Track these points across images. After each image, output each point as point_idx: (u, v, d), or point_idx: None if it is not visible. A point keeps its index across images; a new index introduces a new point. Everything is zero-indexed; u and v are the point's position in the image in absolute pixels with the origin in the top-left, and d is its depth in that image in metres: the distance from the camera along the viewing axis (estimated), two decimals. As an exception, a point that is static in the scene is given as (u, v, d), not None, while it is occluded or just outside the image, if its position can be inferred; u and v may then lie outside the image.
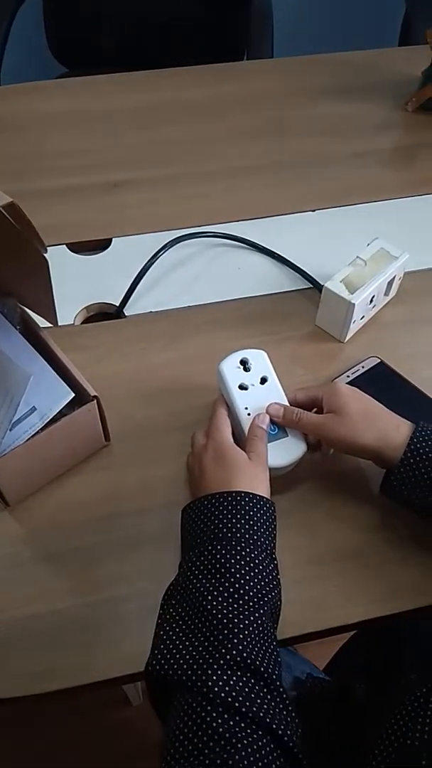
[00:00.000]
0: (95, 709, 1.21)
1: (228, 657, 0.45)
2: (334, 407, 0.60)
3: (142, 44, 1.42)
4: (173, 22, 1.42)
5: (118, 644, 0.56)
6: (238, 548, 0.51)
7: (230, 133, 1.03)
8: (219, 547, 0.51)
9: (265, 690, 0.44)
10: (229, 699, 0.43)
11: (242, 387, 0.64)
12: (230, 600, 0.48)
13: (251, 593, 0.49)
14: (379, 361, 0.73)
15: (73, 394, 0.60)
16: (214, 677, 0.43)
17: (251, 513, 0.54)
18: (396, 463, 0.57)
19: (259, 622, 0.48)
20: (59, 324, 0.75)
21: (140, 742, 1.16)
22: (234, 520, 0.53)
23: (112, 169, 0.95)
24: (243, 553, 0.51)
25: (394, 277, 0.76)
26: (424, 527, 0.62)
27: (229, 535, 0.52)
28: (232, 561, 0.50)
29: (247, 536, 0.52)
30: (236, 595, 0.49)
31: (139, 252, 0.83)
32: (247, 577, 0.50)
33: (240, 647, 0.45)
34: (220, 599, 0.48)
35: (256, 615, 0.48)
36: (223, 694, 0.43)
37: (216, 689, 0.43)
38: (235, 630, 0.46)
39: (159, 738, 0.75)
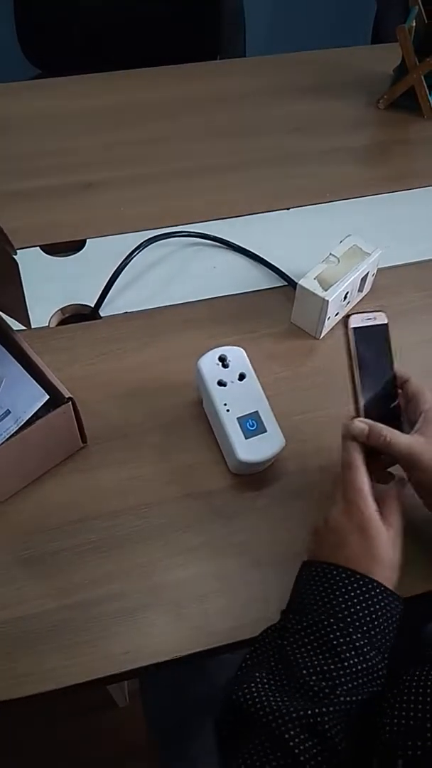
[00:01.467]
0: (81, 712, 1.21)
1: (311, 720, 0.45)
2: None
3: (114, 45, 1.42)
4: (144, 24, 1.41)
5: (96, 646, 0.55)
6: (354, 638, 0.49)
7: (204, 133, 1.03)
8: (335, 627, 0.49)
9: (334, 761, 0.44)
10: (301, 758, 0.43)
11: (221, 383, 0.65)
12: (329, 681, 0.47)
13: (352, 683, 0.47)
14: (386, 322, 0.72)
15: (47, 396, 0.60)
16: (292, 732, 0.44)
17: (378, 607, 0.50)
18: None
19: (349, 707, 0.47)
20: (34, 326, 0.75)
21: (128, 743, 1.16)
22: (360, 607, 0.50)
23: (85, 170, 0.95)
24: (357, 644, 0.48)
25: (367, 274, 0.76)
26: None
27: (348, 620, 0.49)
28: (344, 647, 0.48)
29: (364, 628, 0.49)
30: (337, 681, 0.47)
31: (114, 253, 0.82)
32: (354, 669, 0.48)
33: (326, 717, 0.45)
34: (320, 677, 0.47)
35: (349, 700, 0.47)
36: (296, 751, 0.43)
37: (291, 743, 0.44)
38: (326, 702, 0.46)
39: (146, 739, 0.75)
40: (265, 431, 0.62)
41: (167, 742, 0.71)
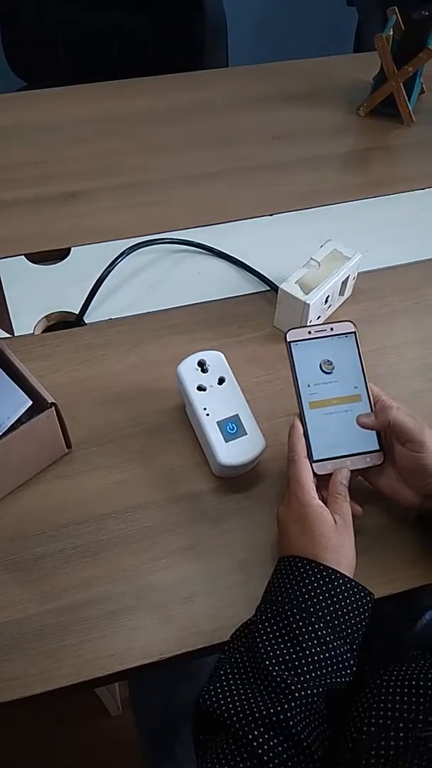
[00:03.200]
0: (73, 721, 1.20)
1: (275, 719, 0.45)
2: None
3: (98, 57, 1.44)
4: (128, 36, 1.43)
5: (82, 649, 0.56)
6: (317, 627, 0.50)
7: (186, 142, 1.04)
8: (299, 617, 0.50)
9: (300, 758, 0.45)
10: (264, 758, 0.44)
11: (200, 388, 0.65)
12: (292, 671, 0.48)
13: (316, 673, 0.48)
14: (353, 330, 0.63)
15: (30, 402, 0.60)
16: (256, 732, 0.45)
17: (341, 597, 0.52)
18: None
19: (315, 697, 0.47)
20: (19, 334, 0.76)
21: (121, 751, 1.15)
22: (321, 598, 0.51)
23: (69, 180, 0.96)
24: (320, 633, 0.49)
25: (348, 277, 0.77)
26: (386, 518, 0.63)
27: (312, 610, 0.50)
28: (307, 637, 0.49)
29: (328, 618, 0.50)
30: (299, 670, 0.48)
31: (98, 261, 0.83)
32: (315, 658, 0.49)
33: (289, 714, 0.46)
34: (282, 666, 0.48)
35: (313, 691, 0.47)
36: (260, 751, 0.44)
37: (255, 744, 0.44)
38: (289, 697, 0.46)
39: (139, 748, 0.75)
40: (246, 434, 0.63)
41: (155, 744, 0.71)
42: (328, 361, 0.61)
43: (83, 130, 1.05)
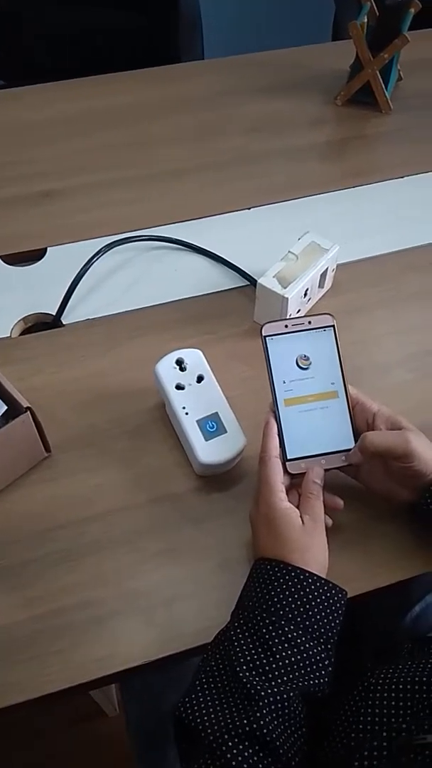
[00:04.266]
0: (71, 723, 1.20)
1: (248, 729, 0.45)
2: (401, 425, 0.58)
3: (73, 54, 1.42)
4: (101, 33, 1.41)
5: (68, 655, 0.55)
6: (286, 629, 0.49)
7: (161, 137, 1.03)
8: (268, 622, 0.49)
9: (278, 766, 0.45)
10: None
11: (179, 387, 0.65)
12: (263, 676, 0.47)
13: (288, 676, 0.47)
14: (331, 324, 0.62)
15: (5, 407, 0.59)
16: (230, 743, 0.44)
17: (311, 597, 0.51)
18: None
19: (288, 703, 0.47)
20: (-6, 337, 0.75)
21: (119, 752, 1.15)
22: (291, 600, 0.50)
23: (44, 179, 0.95)
24: (290, 636, 0.49)
25: (326, 269, 0.77)
26: (368, 512, 0.63)
27: (281, 613, 0.50)
28: (277, 641, 0.49)
29: (298, 619, 0.50)
30: (270, 674, 0.47)
31: (75, 260, 0.82)
32: (287, 661, 0.48)
33: (262, 722, 0.45)
34: (253, 672, 0.47)
35: (286, 696, 0.47)
36: (234, 763, 0.43)
37: (229, 756, 0.44)
38: (261, 704, 0.46)
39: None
40: (226, 432, 0.62)
41: (147, 749, 0.71)
42: (305, 356, 0.60)
43: (57, 128, 1.04)
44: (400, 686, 0.47)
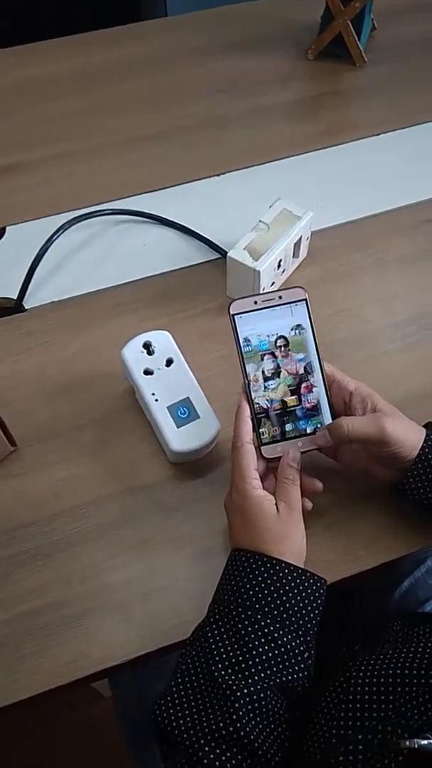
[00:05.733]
0: (68, 708, 1.20)
1: (224, 732, 0.43)
2: (377, 406, 0.55)
3: (25, 18, 1.34)
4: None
5: (42, 658, 0.53)
6: (262, 624, 0.47)
7: (123, 102, 0.97)
8: (243, 616, 0.47)
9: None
10: None
11: (147, 372, 0.62)
12: (239, 674, 0.45)
13: (264, 672, 0.45)
14: (303, 297, 0.58)
15: (-39, 404, 0.56)
16: (207, 748, 0.42)
17: (287, 588, 0.48)
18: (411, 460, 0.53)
19: (266, 701, 0.45)
20: None
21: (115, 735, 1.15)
22: (266, 592, 0.48)
23: (1, 154, 0.89)
24: (266, 630, 0.47)
25: (300, 238, 0.73)
26: (347, 491, 0.60)
27: (257, 606, 0.48)
28: (252, 636, 0.46)
29: (275, 612, 0.47)
30: (246, 672, 0.45)
31: (36, 239, 0.77)
32: (264, 657, 0.46)
33: (238, 724, 0.43)
34: (229, 670, 0.45)
35: (263, 694, 0.45)
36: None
37: (206, 761, 0.42)
38: (237, 704, 0.44)
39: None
40: (198, 417, 0.59)
41: (134, 738, 0.70)
42: (283, 336, 0.57)
43: (11, 97, 0.98)
44: (382, 679, 0.45)
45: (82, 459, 0.63)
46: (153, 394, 0.60)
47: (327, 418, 0.57)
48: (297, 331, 0.57)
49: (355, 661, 0.49)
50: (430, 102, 0.97)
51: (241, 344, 0.56)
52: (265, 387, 0.56)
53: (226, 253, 0.76)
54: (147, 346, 0.62)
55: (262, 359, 0.57)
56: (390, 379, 0.68)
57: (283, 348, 0.57)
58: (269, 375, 0.56)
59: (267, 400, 0.56)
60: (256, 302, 0.57)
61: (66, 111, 0.95)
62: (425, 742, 0.37)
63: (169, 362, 0.62)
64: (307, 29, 1.05)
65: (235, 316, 0.56)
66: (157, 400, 0.60)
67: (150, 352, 0.62)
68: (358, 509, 0.60)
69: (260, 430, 0.56)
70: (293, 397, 0.57)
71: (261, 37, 1.07)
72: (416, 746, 0.37)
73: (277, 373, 0.57)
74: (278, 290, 0.58)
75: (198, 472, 0.62)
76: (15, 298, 0.74)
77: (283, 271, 0.74)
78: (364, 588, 0.72)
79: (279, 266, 0.71)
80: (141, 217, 0.82)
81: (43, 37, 1.06)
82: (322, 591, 0.50)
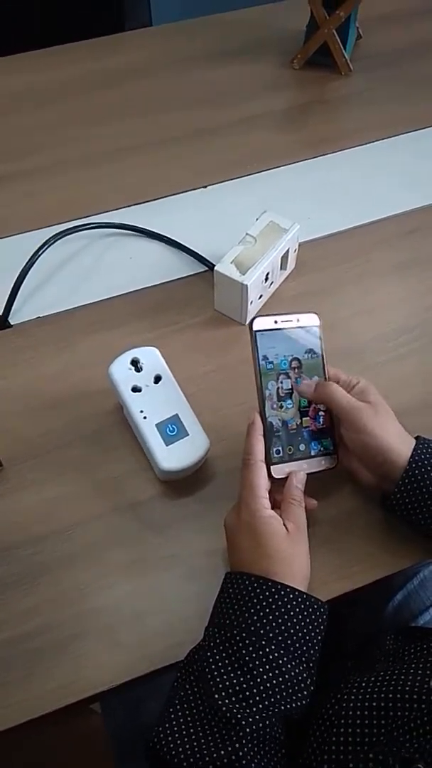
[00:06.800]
0: (62, 719, 1.19)
1: (226, 761, 0.42)
2: (369, 398, 0.56)
3: (13, 28, 1.33)
4: (41, 2, 1.32)
5: (29, 683, 0.52)
6: (267, 650, 0.46)
7: (108, 113, 0.96)
8: (248, 642, 0.46)
9: None
10: None
11: (135, 389, 0.61)
12: (242, 702, 0.44)
13: (269, 700, 0.44)
14: (318, 324, 0.60)
15: None
16: None
17: (293, 614, 0.47)
18: (400, 473, 0.53)
19: (269, 728, 0.44)
20: None
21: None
22: (271, 617, 0.47)
23: (-17, 166, 0.88)
24: (271, 657, 0.46)
25: (287, 251, 0.72)
26: (341, 506, 0.60)
27: (262, 632, 0.46)
28: (257, 663, 0.45)
29: (279, 638, 0.46)
30: (251, 700, 0.44)
31: (21, 253, 0.76)
32: (268, 684, 0.45)
33: (240, 753, 0.42)
34: (233, 698, 0.44)
35: (267, 722, 0.44)
36: None
37: None
38: (240, 733, 0.43)
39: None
40: (187, 435, 0.59)
41: (124, 759, 0.69)
42: (297, 359, 0.58)
43: (-3, 108, 0.97)
44: (374, 703, 0.44)
45: (69, 477, 0.62)
46: (141, 411, 0.59)
47: (332, 442, 0.58)
48: (310, 356, 0.58)
49: (347, 682, 0.48)
50: (416, 111, 0.97)
51: (260, 361, 0.56)
52: (280, 406, 0.57)
53: (214, 265, 0.76)
54: (135, 363, 0.61)
55: (278, 378, 0.57)
56: (380, 390, 0.67)
57: (296, 370, 0.58)
58: (283, 395, 0.57)
59: (279, 419, 0.56)
60: (276, 321, 0.58)
61: (50, 122, 0.95)
62: None
63: (157, 379, 0.61)
64: (292, 38, 1.05)
65: (257, 333, 0.56)
66: (145, 417, 0.59)
67: (138, 369, 0.61)
68: (352, 526, 0.59)
69: (272, 450, 0.56)
70: (304, 418, 0.57)
71: (246, 47, 1.06)
72: None
73: (289, 393, 0.57)
74: (295, 313, 0.59)
75: (187, 489, 0.61)
76: (0, 314, 0.73)
77: (271, 284, 0.73)
78: (356, 601, 0.71)
79: (267, 279, 0.71)
80: (127, 231, 0.81)
81: (26, 48, 1.05)
82: (324, 617, 0.49)
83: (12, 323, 0.73)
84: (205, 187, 0.87)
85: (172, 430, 0.59)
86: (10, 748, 1.14)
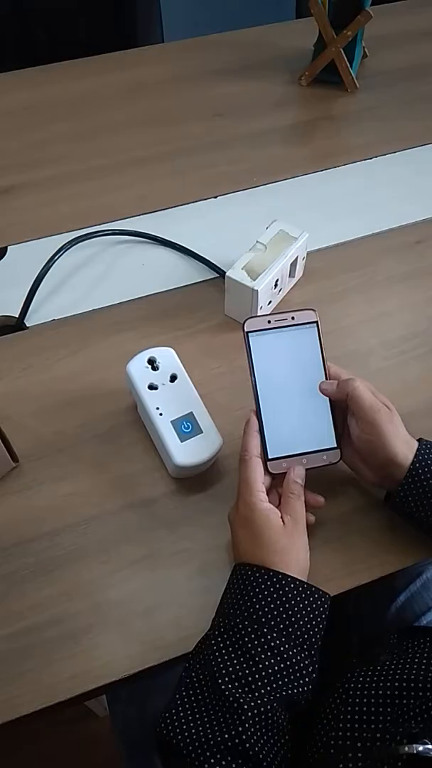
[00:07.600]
0: (62, 724, 1.19)
1: (230, 744, 0.43)
2: (378, 398, 0.56)
3: (26, 43, 1.36)
4: (56, 18, 1.36)
5: (42, 674, 0.53)
6: (269, 637, 0.47)
7: (123, 125, 0.99)
8: (250, 630, 0.48)
9: None
10: None
11: (152, 387, 0.63)
12: (246, 687, 0.46)
13: (271, 686, 0.46)
14: (315, 320, 0.60)
15: (-34, 420, 0.57)
16: (213, 760, 0.43)
17: (293, 603, 0.49)
18: (401, 477, 0.54)
19: (272, 713, 0.45)
20: None
21: (110, 752, 1.14)
22: (273, 606, 0.49)
23: (2, 175, 0.91)
24: (273, 643, 0.47)
25: (296, 258, 0.74)
26: (349, 507, 0.61)
27: (263, 620, 0.48)
28: (259, 649, 0.47)
29: (281, 626, 0.48)
30: (254, 685, 0.46)
31: (38, 258, 0.79)
32: (270, 670, 0.46)
33: (244, 736, 0.44)
34: (236, 684, 0.46)
35: (270, 707, 0.45)
36: None
37: None
38: (243, 717, 0.44)
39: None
40: (201, 432, 0.60)
41: (132, 754, 0.70)
42: (292, 357, 0.58)
43: (13, 120, 1.00)
44: (380, 691, 0.46)
45: (84, 474, 0.63)
46: (157, 408, 0.61)
47: (331, 437, 0.58)
48: (306, 352, 0.59)
49: (353, 672, 0.50)
50: (419, 127, 1.00)
51: (254, 361, 0.57)
52: None
53: (224, 272, 0.78)
54: (152, 362, 0.63)
55: (271, 377, 0.58)
56: (385, 394, 0.69)
57: (291, 368, 0.58)
58: None
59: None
60: (269, 321, 0.58)
61: (66, 134, 0.98)
62: (422, 747, 0.38)
63: (173, 378, 0.63)
64: (300, 56, 1.08)
65: (249, 334, 0.58)
66: (161, 414, 0.61)
67: (155, 368, 0.63)
68: (357, 524, 0.61)
69: (267, 446, 0.57)
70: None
71: (256, 63, 1.10)
72: (415, 752, 0.38)
73: None
74: (291, 311, 0.60)
75: (198, 487, 0.63)
76: (17, 316, 0.75)
77: (280, 290, 0.75)
78: (360, 602, 0.72)
79: (276, 285, 0.73)
80: (140, 238, 0.84)
81: (41, 62, 1.08)
82: (326, 606, 0.51)
83: (28, 325, 0.75)
84: (215, 197, 0.90)
85: (187, 427, 0.60)
86: (9, 751, 1.14)
